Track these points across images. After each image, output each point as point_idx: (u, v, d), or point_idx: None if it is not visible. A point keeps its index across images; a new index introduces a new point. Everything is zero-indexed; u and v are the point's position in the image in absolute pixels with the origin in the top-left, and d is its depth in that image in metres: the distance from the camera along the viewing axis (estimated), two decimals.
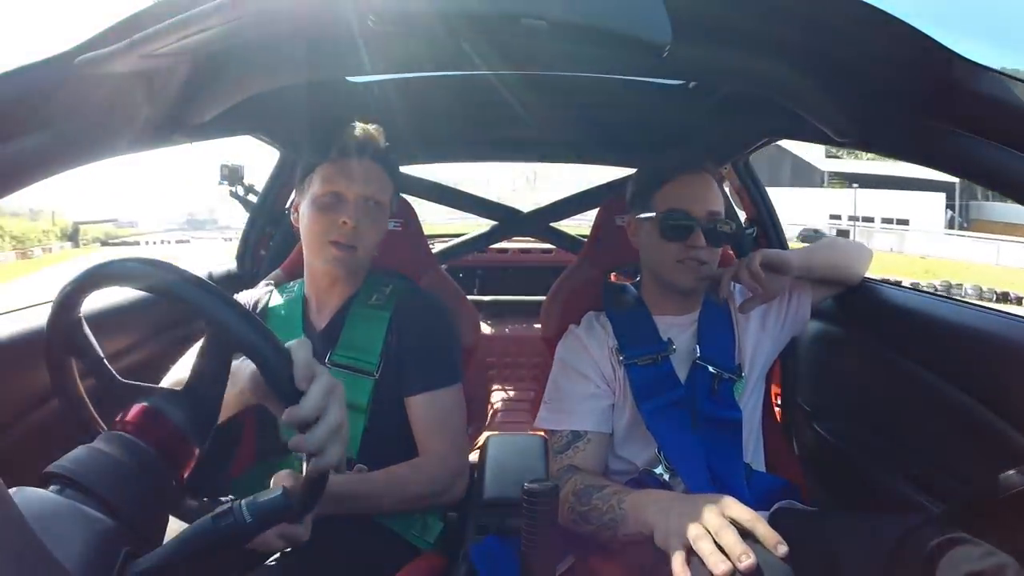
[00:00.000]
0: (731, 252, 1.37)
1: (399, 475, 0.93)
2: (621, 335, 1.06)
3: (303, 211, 1.01)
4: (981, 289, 18.78)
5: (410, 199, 1.53)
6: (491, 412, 2.18)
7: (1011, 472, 0.77)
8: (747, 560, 0.65)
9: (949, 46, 0.54)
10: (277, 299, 1.08)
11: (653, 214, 1.04)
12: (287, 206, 1.73)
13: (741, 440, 0.99)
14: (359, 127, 1.01)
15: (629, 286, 1.15)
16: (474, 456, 1.59)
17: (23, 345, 0.84)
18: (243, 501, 0.53)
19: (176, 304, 0.57)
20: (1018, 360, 0.81)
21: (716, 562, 0.66)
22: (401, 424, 1.00)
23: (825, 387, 1.22)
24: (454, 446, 0.99)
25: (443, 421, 1.00)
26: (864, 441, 1.11)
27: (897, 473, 1.01)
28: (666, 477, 0.97)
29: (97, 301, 0.65)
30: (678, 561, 0.69)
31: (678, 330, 1.07)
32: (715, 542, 0.68)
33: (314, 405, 0.56)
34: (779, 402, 1.37)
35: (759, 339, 1.09)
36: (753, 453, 1.05)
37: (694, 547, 0.69)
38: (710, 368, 1.02)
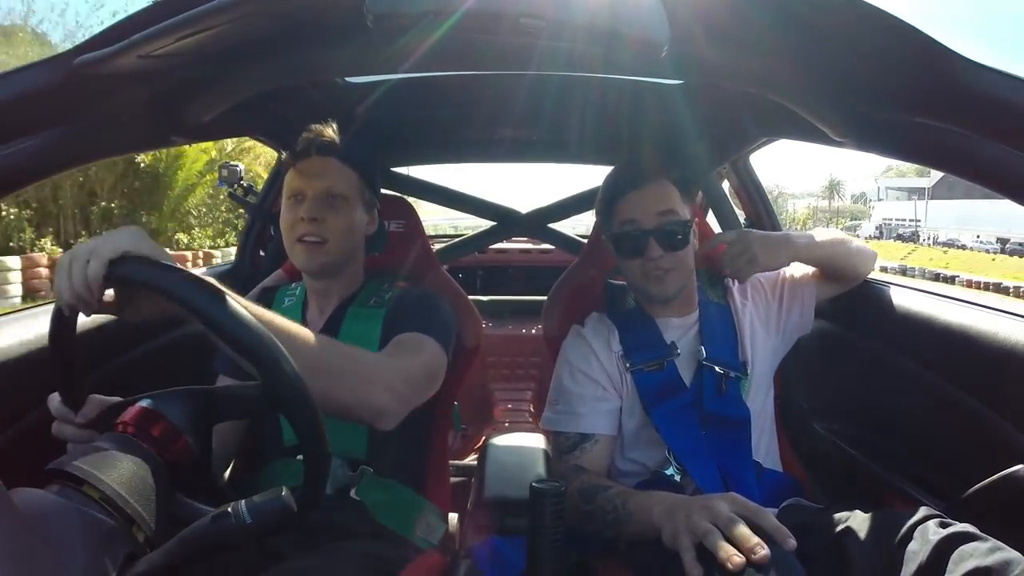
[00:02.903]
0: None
1: (363, 350, 0.85)
2: (626, 340, 1.06)
3: None
4: None
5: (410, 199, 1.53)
6: (492, 412, 2.19)
7: (1014, 469, 0.78)
8: (761, 552, 0.64)
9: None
10: (280, 303, 1.09)
11: (609, 234, 1.06)
12: None
13: (750, 438, 0.99)
14: (313, 128, 1.02)
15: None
16: (475, 456, 1.58)
17: (23, 345, 0.84)
18: (243, 501, 0.53)
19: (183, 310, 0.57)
20: (1018, 360, 0.81)
21: (729, 556, 0.64)
22: (407, 423, 0.99)
23: (825, 386, 1.22)
24: (409, 375, 0.86)
25: (413, 351, 0.91)
26: (865, 441, 1.11)
27: (898, 473, 1.01)
28: (677, 478, 0.97)
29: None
30: (689, 558, 0.68)
31: (680, 331, 1.07)
32: (725, 537, 0.67)
33: None
34: (779, 401, 1.37)
35: (761, 336, 1.09)
36: (766, 451, 1.05)
37: (705, 543, 0.68)
38: (716, 368, 1.02)
